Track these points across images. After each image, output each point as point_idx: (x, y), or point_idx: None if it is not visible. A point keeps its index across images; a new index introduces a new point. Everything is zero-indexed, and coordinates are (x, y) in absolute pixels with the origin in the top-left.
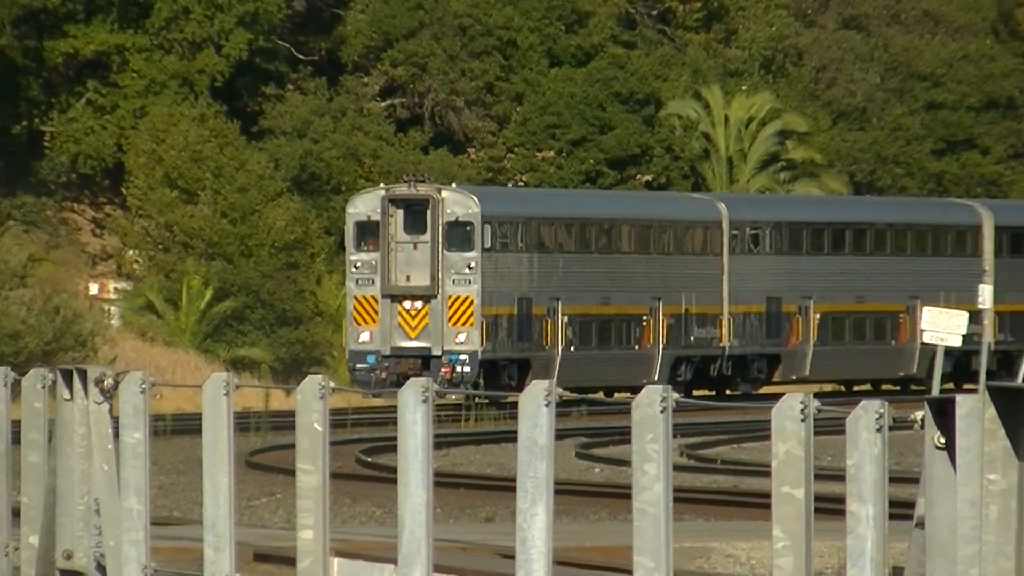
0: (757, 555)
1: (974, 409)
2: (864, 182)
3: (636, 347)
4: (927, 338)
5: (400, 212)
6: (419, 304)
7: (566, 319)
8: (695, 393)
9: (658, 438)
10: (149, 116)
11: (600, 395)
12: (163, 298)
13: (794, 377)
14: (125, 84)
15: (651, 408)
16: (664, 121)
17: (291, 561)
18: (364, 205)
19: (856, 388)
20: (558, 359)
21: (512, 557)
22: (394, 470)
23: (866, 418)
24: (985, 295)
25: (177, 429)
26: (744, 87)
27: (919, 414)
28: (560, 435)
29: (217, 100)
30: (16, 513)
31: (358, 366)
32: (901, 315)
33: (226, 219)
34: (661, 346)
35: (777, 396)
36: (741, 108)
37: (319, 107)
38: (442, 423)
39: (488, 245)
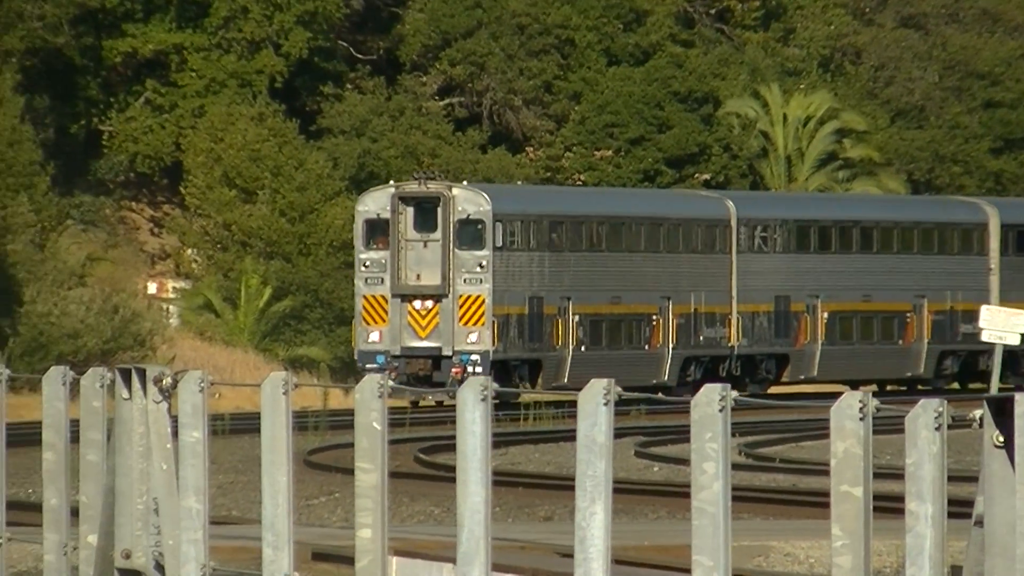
0: (816, 554)
1: None
2: (922, 180)
3: (646, 347)
4: (985, 336)
5: (410, 210)
6: (429, 303)
7: (577, 319)
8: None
9: (717, 437)
10: (207, 115)
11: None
12: (221, 297)
13: (802, 377)
14: (184, 83)
15: (710, 407)
16: (722, 120)
17: (349, 560)
18: (374, 203)
19: (861, 389)
20: (569, 359)
21: (571, 556)
22: (452, 469)
23: (925, 417)
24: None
25: (236, 428)
26: (802, 86)
27: (978, 413)
28: (619, 434)
29: (276, 99)
30: (75, 512)
31: (367, 366)
32: (908, 314)
33: (285, 218)
34: (671, 346)
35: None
36: (799, 107)
37: (377, 106)
38: (501, 422)
39: (500, 243)
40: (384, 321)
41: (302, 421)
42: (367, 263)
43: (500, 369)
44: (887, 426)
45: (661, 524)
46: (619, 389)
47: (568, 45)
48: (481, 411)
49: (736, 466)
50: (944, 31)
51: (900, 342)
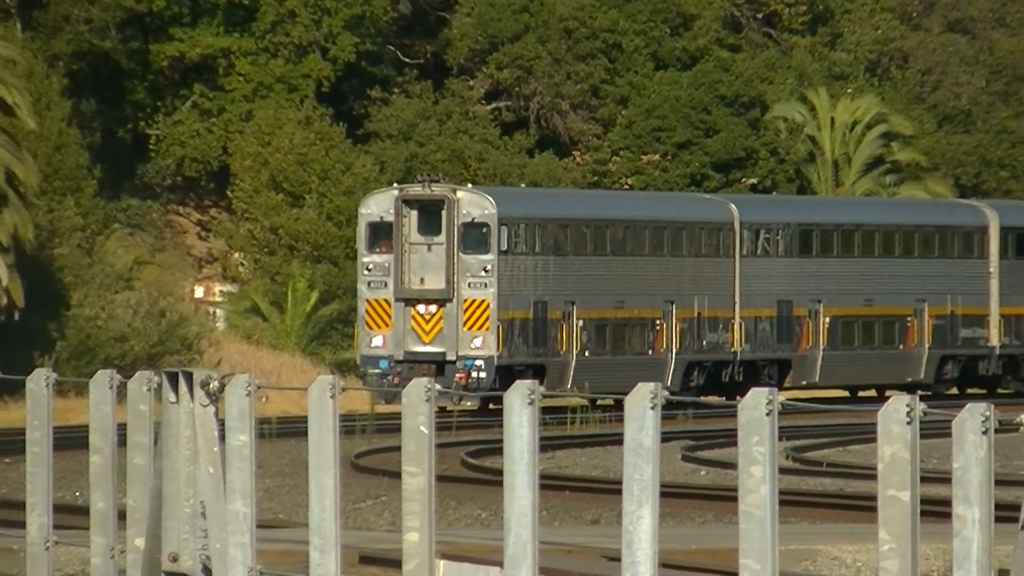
0: (863, 558)
1: None
2: (969, 185)
3: (649, 352)
4: None
5: (414, 213)
6: (433, 308)
7: (581, 323)
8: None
9: (764, 440)
10: (255, 119)
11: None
12: (268, 301)
13: (804, 383)
14: (231, 88)
15: (757, 411)
16: (769, 124)
17: (396, 564)
18: (377, 206)
19: (860, 394)
20: (573, 364)
21: (618, 560)
22: (499, 472)
23: (972, 421)
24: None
25: (282, 432)
26: (849, 90)
27: None
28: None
29: (323, 103)
30: (122, 516)
31: (370, 371)
32: (909, 319)
33: (331, 222)
34: (674, 351)
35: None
36: (846, 111)
37: (425, 110)
38: (548, 426)
39: (505, 247)
40: (387, 326)
41: (349, 425)
42: (370, 266)
43: (504, 374)
44: (934, 430)
45: (708, 528)
46: (667, 393)
47: (615, 49)
48: (528, 415)
49: (783, 470)
50: (991, 35)
51: (901, 347)
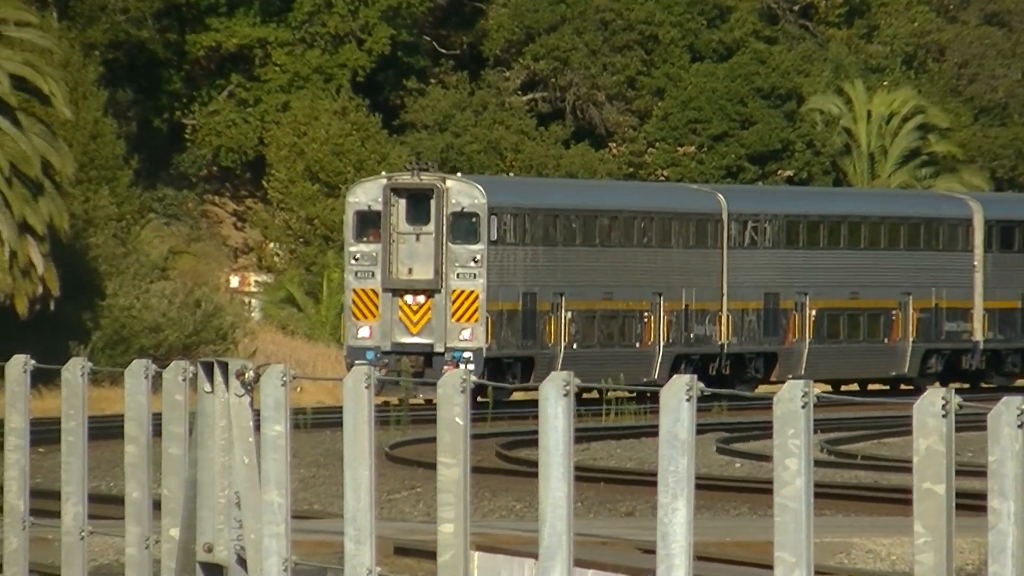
0: (898, 551)
1: None
2: (1005, 178)
3: (637, 345)
4: None
5: (403, 202)
6: (421, 298)
7: (569, 315)
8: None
9: (799, 433)
10: (291, 110)
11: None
12: (304, 291)
13: (790, 377)
14: (267, 78)
15: (792, 403)
16: (805, 116)
17: (431, 555)
18: (365, 194)
19: (843, 388)
20: (561, 357)
21: (653, 552)
22: (534, 464)
23: (1007, 414)
24: None
25: (317, 422)
26: (886, 83)
27: None
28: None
29: (359, 94)
30: (157, 506)
31: (356, 363)
32: (894, 312)
33: None
34: (662, 344)
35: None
36: (883, 104)
37: (461, 101)
38: (583, 417)
39: (494, 237)
40: (374, 316)
41: (384, 415)
42: (357, 256)
43: (493, 367)
44: (969, 423)
45: (743, 520)
46: (701, 385)
47: (652, 41)
48: (563, 406)
49: (818, 463)
50: None
51: (886, 340)
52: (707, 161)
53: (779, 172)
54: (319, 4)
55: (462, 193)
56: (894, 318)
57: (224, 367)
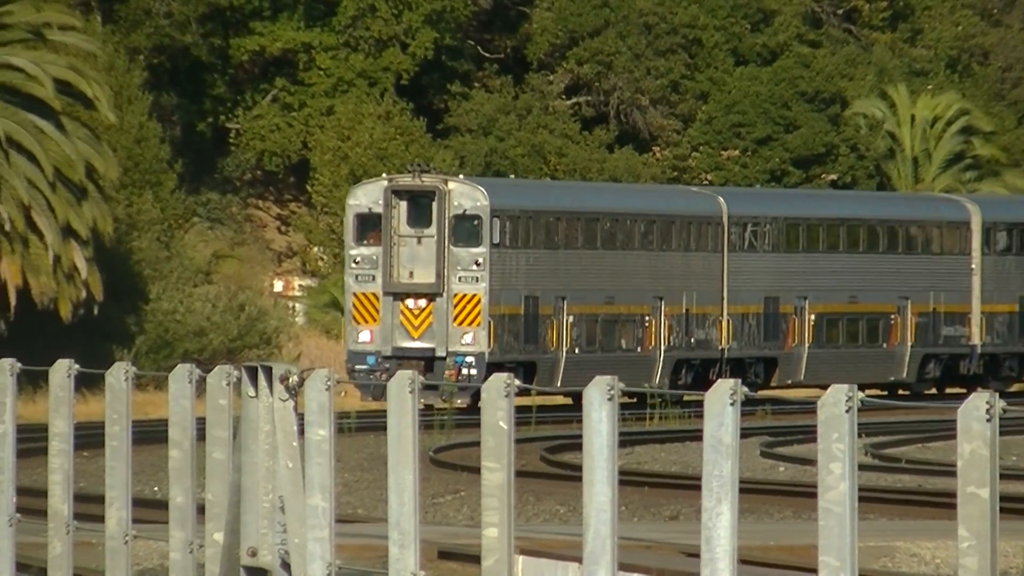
0: (941, 554)
1: None
2: None
3: (638, 349)
4: None
5: (404, 204)
6: (423, 302)
7: (571, 319)
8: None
9: (843, 437)
10: (335, 114)
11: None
12: None
13: (789, 382)
14: (312, 82)
15: (837, 407)
16: (849, 120)
17: (475, 559)
18: (365, 196)
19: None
20: (562, 362)
21: (697, 555)
22: (578, 468)
23: None
24: None
25: (361, 426)
26: (930, 87)
27: None
28: (745, 434)
29: (403, 98)
30: (201, 510)
31: (357, 367)
32: (893, 316)
33: None
34: (663, 349)
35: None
36: (926, 107)
37: (505, 105)
38: (627, 421)
39: (497, 240)
40: (375, 320)
41: (428, 419)
42: (358, 259)
43: (495, 372)
44: (1013, 427)
45: (787, 524)
46: (746, 390)
47: (695, 45)
48: (608, 410)
49: (862, 467)
50: None
51: (884, 345)
52: (751, 165)
53: (823, 176)
54: (363, 8)
55: (464, 195)
56: (892, 322)
57: (268, 371)
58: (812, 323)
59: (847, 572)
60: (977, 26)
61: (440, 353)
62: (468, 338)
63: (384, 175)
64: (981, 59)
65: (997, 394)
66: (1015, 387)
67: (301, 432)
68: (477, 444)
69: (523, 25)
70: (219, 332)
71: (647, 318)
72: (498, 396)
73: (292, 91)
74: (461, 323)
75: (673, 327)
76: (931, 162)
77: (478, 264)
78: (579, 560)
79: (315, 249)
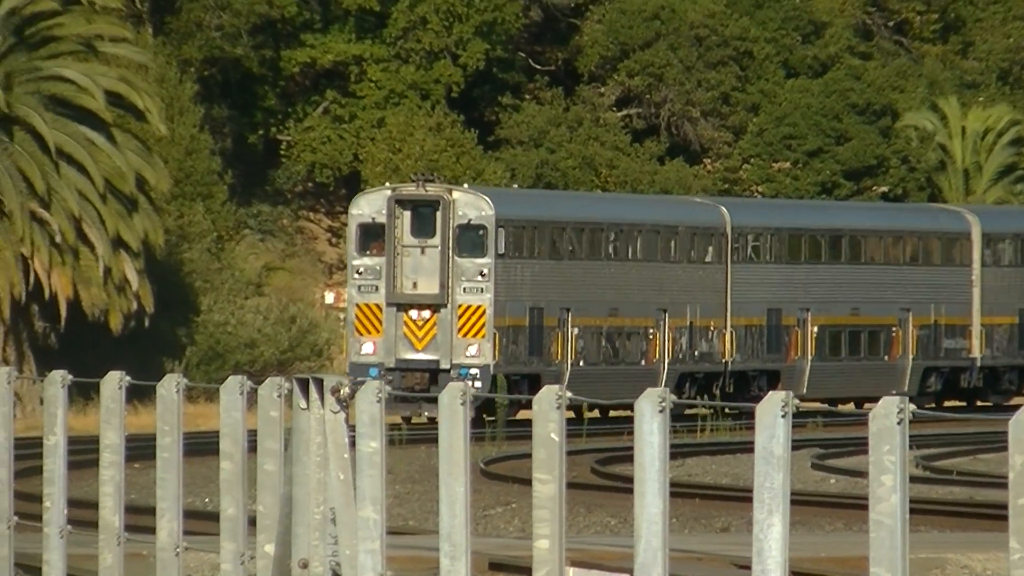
0: (992, 566)
1: None
2: None
3: (642, 362)
4: None
5: (407, 214)
6: (427, 313)
7: (576, 331)
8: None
9: (895, 449)
10: (386, 126)
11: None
12: None
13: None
14: (363, 94)
15: (888, 419)
16: (900, 132)
17: (527, 570)
18: (369, 206)
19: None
20: (567, 375)
21: (748, 567)
22: (629, 480)
23: None
24: None
25: (412, 438)
26: (981, 99)
27: None
28: (796, 446)
29: (454, 110)
30: (252, 522)
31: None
32: (894, 328)
33: None
34: (667, 362)
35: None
36: (977, 120)
37: (555, 117)
38: (678, 433)
39: (502, 251)
40: (378, 332)
41: (479, 431)
42: (361, 270)
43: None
44: None
45: (838, 536)
46: (796, 402)
47: (746, 57)
48: (659, 422)
49: (913, 479)
50: None
51: (886, 358)
52: (802, 177)
53: (874, 188)
54: (414, 20)
55: (469, 205)
56: (894, 335)
57: (319, 383)
58: (814, 335)
59: None
60: None
61: (444, 365)
62: (473, 350)
63: (387, 184)
64: None
65: None
66: (1014, 400)
67: (352, 444)
68: (528, 456)
69: (574, 37)
70: (270, 344)
71: (651, 331)
72: (549, 408)
73: (343, 103)
74: (466, 335)
75: (677, 340)
76: (982, 174)
77: (483, 275)
78: (630, 572)
79: None
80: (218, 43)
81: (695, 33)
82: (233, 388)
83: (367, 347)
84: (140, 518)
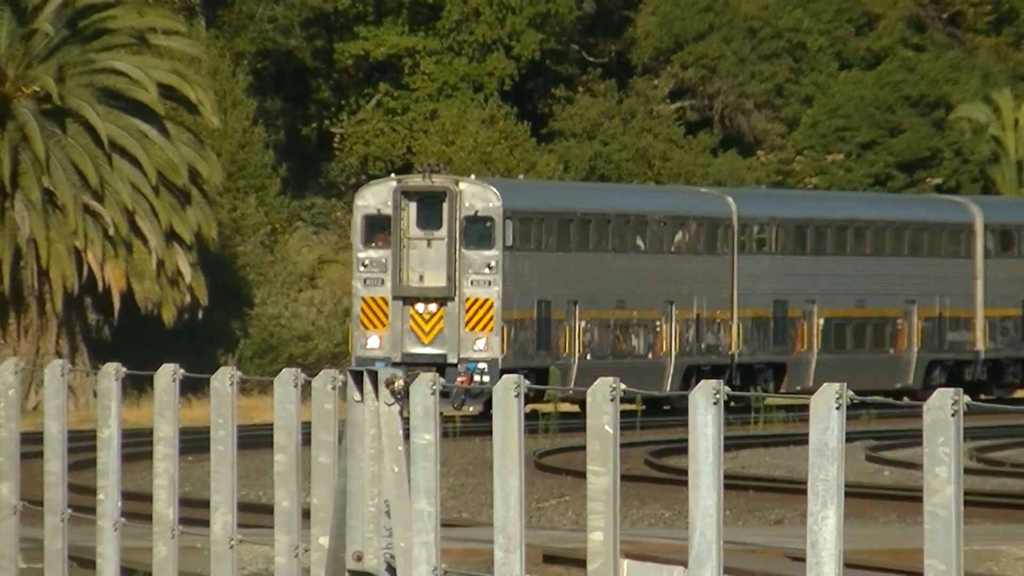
0: None
1: None
2: None
3: (649, 355)
4: None
5: (413, 205)
6: (433, 307)
7: (583, 324)
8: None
9: (949, 441)
10: (439, 118)
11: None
12: None
13: (799, 388)
14: (416, 87)
15: (943, 411)
16: (954, 124)
17: (581, 563)
18: (374, 197)
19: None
20: (575, 368)
21: (802, 560)
22: (682, 472)
23: None
24: None
25: (466, 431)
26: None
27: None
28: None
29: (507, 102)
30: (306, 514)
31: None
32: (899, 320)
33: None
34: (674, 355)
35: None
36: None
37: (609, 109)
38: (731, 425)
39: (510, 243)
40: (384, 325)
41: (532, 424)
42: (366, 262)
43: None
44: None
45: (892, 528)
46: (851, 393)
47: (799, 49)
48: (713, 414)
49: (967, 470)
50: None
51: (891, 351)
52: (855, 169)
53: (927, 180)
54: (467, 12)
55: (476, 196)
56: (899, 327)
57: (374, 376)
58: (820, 328)
59: (952, 575)
60: None
61: (452, 359)
62: (481, 344)
63: (392, 175)
64: None
65: None
66: (1018, 394)
67: (406, 436)
68: (581, 448)
69: (627, 29)
70: (324, 337)
71: (658, 323)
72: (603, 400)
73: (396, 95)
74: (473, 328)
75: (683, 332)
76: None
77: (490, 267)
78: (684, 564)
79: None
80: (271, 35)
81: (748, 25)
82: (287, 381)
83: (373, 341)
84: (194, 511)
